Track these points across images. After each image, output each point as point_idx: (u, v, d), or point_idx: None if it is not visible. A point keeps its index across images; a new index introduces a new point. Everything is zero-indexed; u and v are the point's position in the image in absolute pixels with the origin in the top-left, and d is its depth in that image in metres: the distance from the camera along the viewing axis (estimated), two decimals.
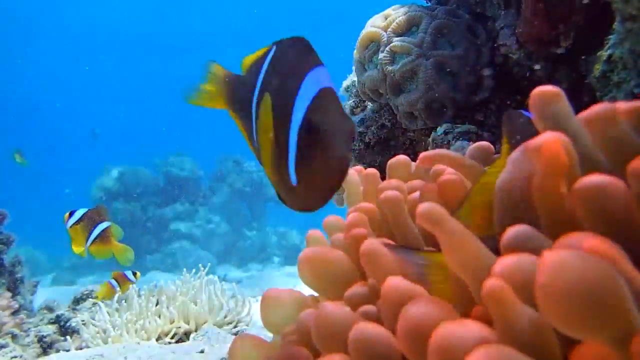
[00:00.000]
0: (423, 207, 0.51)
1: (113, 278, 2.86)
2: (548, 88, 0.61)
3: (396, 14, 1.93)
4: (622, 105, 0.63)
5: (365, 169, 1.82)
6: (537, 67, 1.67)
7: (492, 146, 0.93)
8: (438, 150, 0.87)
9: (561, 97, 0.61)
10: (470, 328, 0.45)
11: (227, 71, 0.98)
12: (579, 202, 0.51)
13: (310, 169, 0.70)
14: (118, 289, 2.82)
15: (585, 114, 0.62)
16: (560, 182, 0.54)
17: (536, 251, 0.50)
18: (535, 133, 0.58)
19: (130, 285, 2.77)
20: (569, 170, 0.55)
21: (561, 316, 0.39)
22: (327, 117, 0.70)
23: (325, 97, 0.72)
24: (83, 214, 2.69)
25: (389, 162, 0.99)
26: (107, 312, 2.63)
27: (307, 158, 0.70)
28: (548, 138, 0.53)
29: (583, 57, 1.47)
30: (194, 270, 2.86)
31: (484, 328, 0.45)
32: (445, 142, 1.73)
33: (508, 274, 0.47)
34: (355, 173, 0.99)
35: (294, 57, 0.79)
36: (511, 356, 0.41)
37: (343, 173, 0.69)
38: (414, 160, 1.87)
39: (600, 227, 0.50)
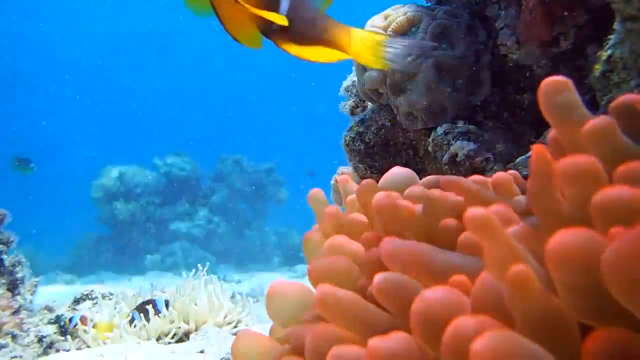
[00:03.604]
0: (473, 212, 0.48)
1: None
2: (558, 78, 0.63)
3: (396, 14, 1.93)
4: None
5: (365, 170, 1.82)
6: (537, 67, 1.67)
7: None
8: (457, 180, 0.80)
9: (571, 87, 0.63)
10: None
11: None
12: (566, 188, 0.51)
13: None
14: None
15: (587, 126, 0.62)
16: (550, 183, 0.55)
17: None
18: None
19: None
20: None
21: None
22: None
23: None
24: None
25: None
26: (107, 313, 2.63)
27: None
28: (536, 146, 0.55)
29: (583, 57, 1.47)
30: (193, 271, 2.86)
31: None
32: (445, 142, 1.73)
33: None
34: (348, 180, 0.93)
35: None
36: (520, 343, 0.40)
37: None
38: (416, 162, 1.86)
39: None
